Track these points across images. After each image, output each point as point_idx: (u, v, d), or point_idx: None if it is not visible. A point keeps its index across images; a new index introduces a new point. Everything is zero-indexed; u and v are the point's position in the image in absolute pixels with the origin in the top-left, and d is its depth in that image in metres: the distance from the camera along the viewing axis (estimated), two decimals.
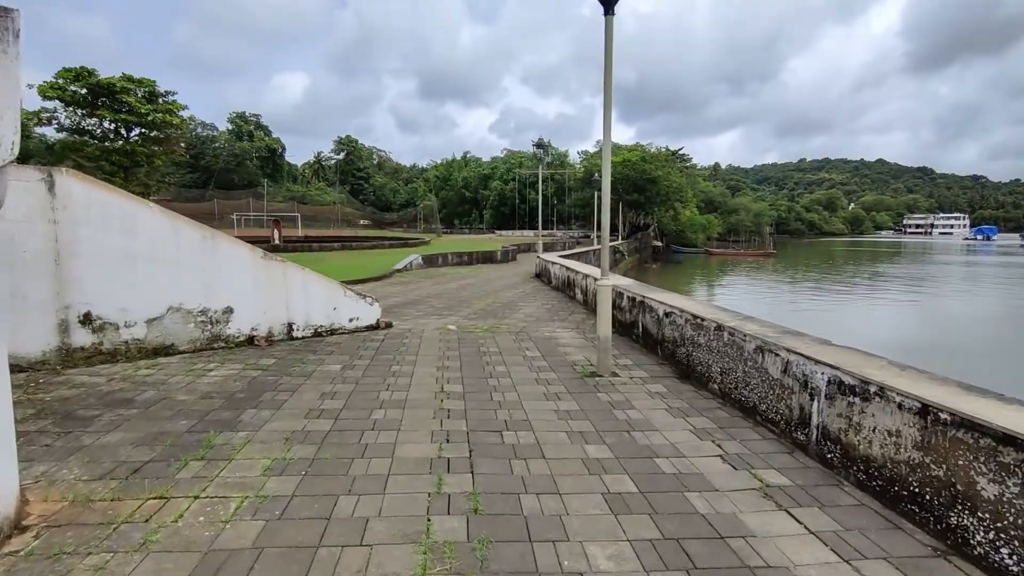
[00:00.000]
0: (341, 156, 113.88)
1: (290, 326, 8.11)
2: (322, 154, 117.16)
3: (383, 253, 29.45)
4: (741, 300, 28.69)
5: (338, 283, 8.70)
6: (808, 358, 4.40)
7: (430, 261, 23.97)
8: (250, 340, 7.70)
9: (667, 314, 7.30)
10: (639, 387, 6.17)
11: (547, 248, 35.94)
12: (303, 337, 8.23)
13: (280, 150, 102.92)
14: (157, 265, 6.78)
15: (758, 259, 61.31)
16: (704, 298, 30.04)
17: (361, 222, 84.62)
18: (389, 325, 9.44)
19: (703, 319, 6.24)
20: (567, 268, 14.52)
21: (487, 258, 27.48)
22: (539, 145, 22.36)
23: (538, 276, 19.52)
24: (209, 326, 7.30)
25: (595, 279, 11.65)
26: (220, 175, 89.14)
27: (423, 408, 5.28)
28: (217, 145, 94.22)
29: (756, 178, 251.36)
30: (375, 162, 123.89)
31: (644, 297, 8.14)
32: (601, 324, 6.64)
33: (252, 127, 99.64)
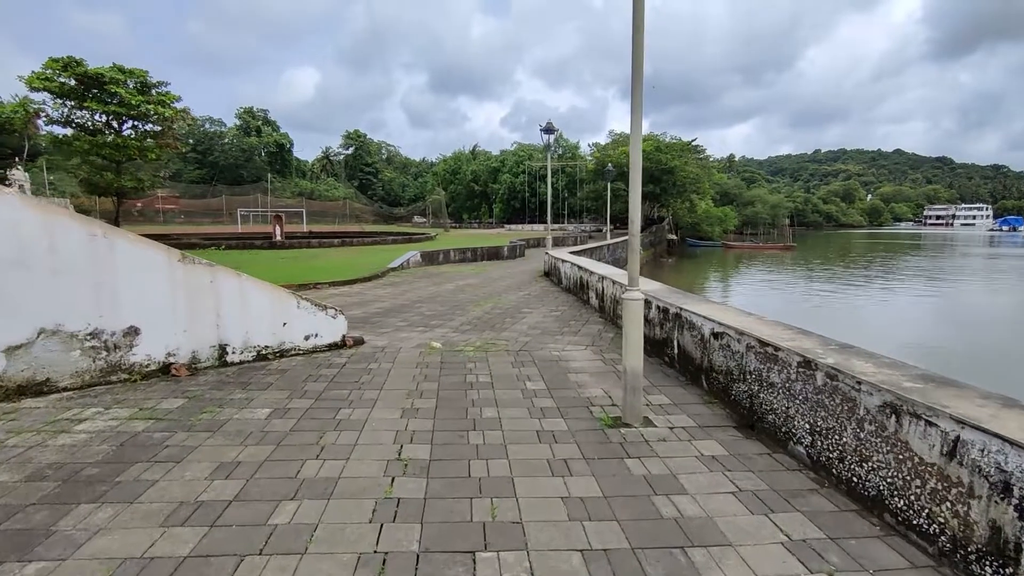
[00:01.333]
0: (350, 151, 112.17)
1: (223, 348, 6.29)
2: (331, 149, 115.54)
3: (384, 249, 27.63)
4: (772, 298, 26.56)
5: (288, 292, 6.86)
6: (1007, 440, 2.50)
7: (429, 258, 22.09)
8: (166, 369, 5.89)
9: (716, 334, 5.39)
10: (685, 446, 4.29)
11: (557, 243, 33.96)
12: (241, 362, 6.41)
13: (288, 145, 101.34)
14: (20, 273, 4.97)
15: (778, 252, 58.80)
16: (720, 291, 27.98)
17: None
18: (359, 342, 7.61)
19: (777, 348, 4.32)
20: (579, 268, 12.60)
21: (492, 254, 25.55)
22: (547, 130, 20.36)
23: (547, 275, 17.61)
24: (103, 353, 5.49)
25: (613, 281, 9.64)
26: (228, 171, 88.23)
27: (360, 497, 3.43)
28: (225, 141, 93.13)
29: (770, 169, 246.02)
30: (384, 157, 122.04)
31: (681, 309, 6.21)
32: (629, 352, 4.73)
33: (260, 122, 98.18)
